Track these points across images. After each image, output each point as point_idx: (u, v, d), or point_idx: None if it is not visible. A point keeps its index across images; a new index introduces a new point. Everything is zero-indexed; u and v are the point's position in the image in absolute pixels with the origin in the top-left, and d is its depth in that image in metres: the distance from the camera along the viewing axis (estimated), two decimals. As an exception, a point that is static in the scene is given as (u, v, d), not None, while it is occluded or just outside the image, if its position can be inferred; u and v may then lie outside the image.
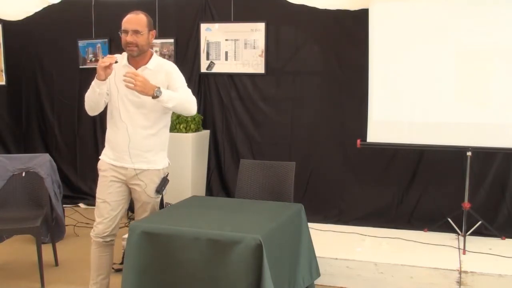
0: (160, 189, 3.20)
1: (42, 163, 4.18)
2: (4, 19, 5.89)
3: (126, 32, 3.00)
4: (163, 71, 3.10)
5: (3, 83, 6.08)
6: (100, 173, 3.21)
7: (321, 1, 4.80)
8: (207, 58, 5.35)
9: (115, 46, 5.54)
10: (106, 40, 5.65)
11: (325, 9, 4.81)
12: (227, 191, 5.41)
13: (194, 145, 5.07)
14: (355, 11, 4.67)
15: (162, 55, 5.46)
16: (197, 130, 5.18)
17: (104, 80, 2.96)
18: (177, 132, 5.07)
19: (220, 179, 5.48)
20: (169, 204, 4.94)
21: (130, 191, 3.23)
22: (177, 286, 2.77)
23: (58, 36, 5.83)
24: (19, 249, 4.50)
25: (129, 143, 3.08)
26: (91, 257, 3.26)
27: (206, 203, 3.53)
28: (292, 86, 5.11)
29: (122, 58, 3.11)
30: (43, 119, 6.06)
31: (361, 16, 4.52)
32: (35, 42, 5.93)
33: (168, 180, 3.26)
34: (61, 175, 5.23)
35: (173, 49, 5.43)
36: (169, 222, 2.92)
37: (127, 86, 2.87)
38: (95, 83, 2.99)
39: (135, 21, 3.01)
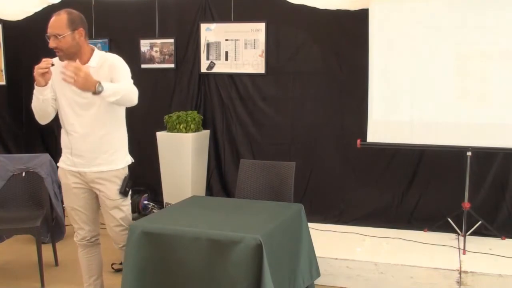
0: (123, 190, 3.05)
1: (42, 163, 4.18)
2: (4, 19, 5.89)
3: (49, 37, 2.85)
4: (106, 65, 2.93)
5: (3, 83, 6.08)
6: (62, 181, 3.12)
7: (321, 1, 4.80)
8: (207, 58, 5.35)
9: (115, 46, 5.55)
10: (106, 40, 5.65)
11: (325, 9, 4.81)
12: (227, 191, 5.41)
13: (194, 145, 5.07)
14: (355, 11, 4.66)
15: (163, 55, 5.47)
16: (197, 130, 5.18)
17: (45, 85, 2.84)
18: (177, 132, 5.07)
19: (220, 179, 5.47)
20: (169, 204, 4.95)
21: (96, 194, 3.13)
22: (177, 286, 2.78)
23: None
24: (19, 249, 4.50)
25: (83, 147, 2.98)
26: (80, 261, 3.22)
27: (206, 203, 3.54)
28: (292, 86, 5.11)
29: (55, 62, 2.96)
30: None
31: (361, 16, 4.51)
32: (35, 42, 5.91)
33: (130, 179, 3.11)
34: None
35: (173, 49, 5.43)
36: (169, 222, 2.92)
37: (65, 80, 2.69)
38: (36, 90, 2.87)
39: (54, 25, 2.83)
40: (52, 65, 2.84)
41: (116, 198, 3.04)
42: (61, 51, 2.86)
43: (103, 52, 3.05)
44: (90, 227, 3.14)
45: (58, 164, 3.15)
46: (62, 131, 3.10)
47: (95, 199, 3.12)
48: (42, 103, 2.93)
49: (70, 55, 2.88)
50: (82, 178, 3.05)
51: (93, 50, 2.99)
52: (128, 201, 3.13)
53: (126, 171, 3.10)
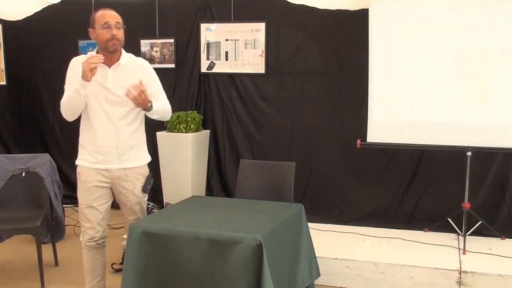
0: (146, 188, 3.16)
1: (42, 163, 4.18)
2: (4, 19, 5.89)
3: (109, 25, 2.94)
4: (135, 66, 3.07)
5: (3, 83, 6.08)
6: (81, 179, 3.11)
7: (321, 1, 4.80)
8: (207, 58, 5.35)
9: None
10: (106, 40, 5.65)
11: (325, 9, 4.81)
12: (227, 191, 5.41)
13: (194, 145, 5.07)
14: (355, 11, 4.66)
15: (163, 55, 5.47)
16: (197, 130, 5.18)
17: (90, 81, 2.87)
18: (177, 132, 5.07)
19: (220, 179, 5.47)
20: (169, 204, 4.94)
21: (113, 193, 3.18)
22: (177, 286, 2.78)
23: (58, 36, 5.83)
24: (19, 249, 4.50)
25: (111, 143, 3.03)
26: (83, 262, 3.21)
27: (206, 203, 3.53)
28: (292, 86, 5.11)
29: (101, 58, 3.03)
30: (43, 119, 6.06)
31: (361, 16, 4.51)
32: (35, 42, 5.93)
33: (153, 178, 3.23)
34: (61, 175, 5.22)
35: (173, 49, 5.43)
36: (169, 222, 2.92)
37: (128, 95, 2.85)
38: (81, 85, 2.87)
39: (115, 15, 2.98)
40: (102, 60, 2.90)
41: (139, 195, 3.16)
42: (119, 41, 2.97)
43: (129, 54, 3.16)
44: (102, 227, 3.15)
45: (78, 163, 3.14)
46: (86, 129, 3.10)
47: (110, 199, 3.18)
48: (83, 99, 2.96)
49: (120, 48, 3.01)
50: (108, 175, 3.09)
51: (121, 51, 3.09)
52: (147, 196, 3.25)
53: (148, 169, 3.21)
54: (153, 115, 3.04)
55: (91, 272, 3.21)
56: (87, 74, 2.83)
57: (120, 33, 2.97)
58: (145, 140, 3.25)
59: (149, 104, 2.94)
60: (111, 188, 3.16)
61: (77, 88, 2.90)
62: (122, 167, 3.09)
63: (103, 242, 3.21)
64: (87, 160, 3.09)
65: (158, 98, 3.11)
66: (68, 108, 3.01)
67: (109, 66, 3.01)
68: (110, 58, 3.00)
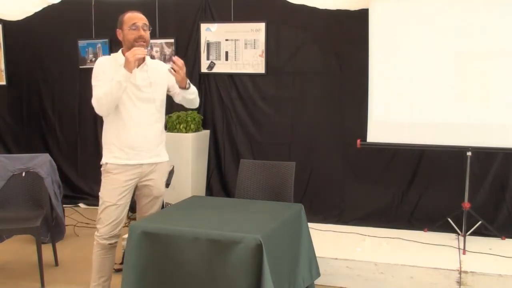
0: (169, 182, 3.33)
1: (42, 163, 4.18)
2: (4, 19, 5.89)
3: (137, 27, 3.05)
4: (162, 69, 3.23)
5: (3, 83, 6.09)
6: (111, 176, 3.12)
7: (321, 1, 4.80)
8: (208, 58, 5.35)
9: (115, 46, 5.54)
10: (107, 40, 5.65)
11: (325, 9, 4.81)
12: (227, 191, 5.41)
13: (194, 145, 5.07)
14: (355, 11, 4.66)
15: (163, 55, 5.47)
16: (197, 130, 5.18)
17: (131, 72, 2.96)
18: (177, 132, 5.07)
19: (220, 179, 5.48)
20: (169, 204, 4.94)
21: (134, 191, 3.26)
22: (177, 286, 2.77)
23: (58, 36, 5.83)
24: (19, 249, 4.50)
25: (144, 139, 3.14)
26: (93, 259, 3.22)
27: (206, 203, 3.53)
28: (292, 86, 5.11)
29: (118, 56, 3.12)
30: (44, 118, 6.07)
31: (361, 16, 4.51)
32: (35, 42, 5.93)
33: (173, 173, 3.40)
34: (61, 175, 5.23)
35: (173, 49, 5.43)
36: (169, 222, 2.92)
37: (172, 71, 3.03)
38: (124, 77, 2.93)
39: (142, 17, 3.11)
40: (146, 53, 3.03)
41: (162, 189, 3.31)
42: (145, 42, 3.09)
43: (149, 58, 3.27)
44: (117, 224, 3.18)
45: (108, 161, 3.14)
46: (116, 126, 3.12)
47: (130, 197, 3.24)
48: (123, 90, 3.00)
49: (146, 47, 3.09)
50: (139, 171, 3.16)
51: None
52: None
53: (169, 164, 3.35)
54: (191, 94, 3.21)
55: (99, 270, 3.23)
56: (131, 64, 2.92)
57: (147, 34, 3.10)
58: (165, 138, 3.38)
59: (188, 81, 3.12)
60: (134, 187, 3.23)
61: (120, 80, 2.94)
62: (152, 162, 3.20)
63: (115, 242, 3.23)
64: (119, 157, 3.13)
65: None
66: (106, 101, 3.00)
67: (137, 66, 3.08)
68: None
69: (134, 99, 3.11)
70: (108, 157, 3.15)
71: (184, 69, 3.07)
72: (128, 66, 2.92)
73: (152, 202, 3.29)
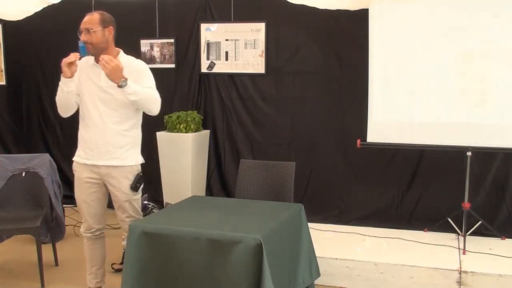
0: (135, 186, 3.22)
1: (42, 163, 4.18)
2: (4, 19, 5.89)
3: (81, 32, 3.08)
4: (132, 69, 3.12)
5: (3, 83, 6.08)
6: (76, 175, 3.26)
7: (321, 1, 4.80)
8: (208, 58, 5.35)
9: (116, 46, 5.53)
10: (106, 40, 5.65)
11: (325, 9, 4.81)
12: (227, 191, 5.41)
13: (194, 145, 5.07)
14: (355, 11, 4.66)
15: (163, 55, 5.47)
16: (197, 130, 5.17)
17: (70, 77, 3.03)
18: (177, 132, 5.07)
19: (220, 179, 5.47)
20: (169, 204, 4.94)
21: (107, 190, 3.28)
22: (177, 286, 2.78)
23: (58, 36, 5.82)
24: (19, 249, 4.50)
25: (101, 140, 3.13)
26: (84, 250, 3.37)
27: (206, 203, 3.54)
28: (292, 86, 5.11)
29: (90, 58, 3.16)
30: (44, 118, 6.06)
31: (361, 16, 4.51)
32: (35, 42, 5.93)
33: (143, 178, 3.28)
34: (62, 174, 5.23)
35: (173, 49, 5.43)
36: (169, 222, 2.92)
37: (101, 64, 2.91)
38: (62, 82, 3.07)
39: (87, 20, 3.10)
40: (80, 58, 3.03)
41: (127, 192, 3.21)
42: (91, 44, 3.06)
43: (129, 56, 3.25)
44: (96, 220, 3.30)
45: (73, 158, 3.28)
46: (82, 125, 3.23)
47: (104, 195, 3.29)
48: (67, 95, 3.11)
49: (99, 49, 3.08)
50: (96, 171, 3.19)
51: (118, 52, 3.20)
52: (139, 194, 3.30)
53: (139, 168, 3.27)
54: (131, 95, 3.00)
55: (90, 260, 3.38)
56: (65, 70, 3.01)
57: (91, 38, 3.06)
58: (138, 142, 3.30)
59: (123, 80, 2.93)
60: (104, 184, 3.25)
61: (60, 85, 3.09)
62: (110, 165, 3.16)
63: (100, 233, 3.35)
64: (80, 156, 3.24)
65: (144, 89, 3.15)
66: (58, 103, 3.20)
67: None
68: None
69: (96, 100, 3.12)
70: (75, 155, 3.27)
71: (113, 63, 2.89)
72: (62, 71, 3.02)
73: (122, 206, 3.25)
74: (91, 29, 3.05)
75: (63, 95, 3.11)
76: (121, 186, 3.19)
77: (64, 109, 3.21)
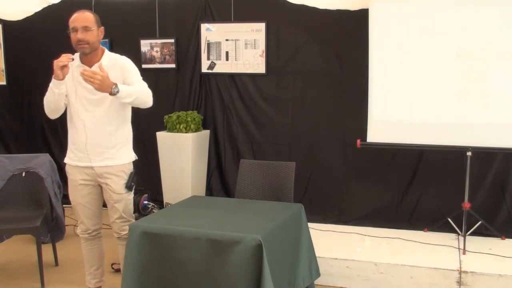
0: (129, 185, 3.21)
1: (42, 163, 4.18)
2: (4, 19, 5.89)
3: (76, 30, 3.00)
4: (117, 66, 3.10)
5: (4, 83, 6.08)
6: (69, 177, 3.24)
7: (321, 1, 4.80)
8: (208, 58, 5.35)
9: (115, 46, 5.55)
10: (107, 40, 5.64)
11: (325, 9, 4.81)
12: (227, 191, 5.41)
13: (194, 145, 5.07)
14: (355, 11, 4.66)
15: (163, 55, 5.47)
16: (197, 130, 5.17)
17: (62, 79, 2.95)
18: (177, 132, 5.07)
19: (220, 179, 5.47)
20: (169, 204, 4.95)
21: (101, 190, 3.26)
22: (177, 286, 2.78)
23: (58, 36, 5.80)
24: (19, 249, 4.50)
25: (91, 141, 3.10)
26: (82, 251, 3.37)
27: (206, 203, 3.54)
28: (293, 86, 5.11)
29: (76, 58, 3.10)
30: (45, 118, 6.02)
31: (361, 16, 4.51)
32: (35, 42, 5.93)
33: (136, 175, 3.26)
34: (62, 174, 5.21)
35: (173, 49, 5.43)
36: (169, 222, 2.92)
37: (87, 81, 2.84)
38: (53, 84, 2.99)
39: (83, 19, 3.02)
40: (72, 59, 2.95)
41: (122, 192, 3.20)
42: (88, 43, 3.00)
43: (113, 53, 3.20)
44: (92, 221, 3.29)
45: (64, 161, 3.26)
46: (70, 127, 3.20)
47: (99, 195, 3.27)
48: (58, 97, 3.05)
49: (93, 49, 3.04)
50: (90, 173, 3.17)
51: (103, 50, 3.15)
52: (131, 195, 3.28)
53: (132, 167, 3.26)
54: (125, 98, 2.96)
55: (89, 260, 3.38)
56: (58, 73, 2.92)
57: (88, 36, 3.00)
58: (128, 139, 3.28)
59: (113, 87, 2.87)
60: (98, 185, 3.24)
61: (51, 86, 3.02)
62: (103, 165, 3.15)
63: (97, 234, 3.35)
64: (70, 158, 3.23)
65: (133, 85, 3.10)
66: (46, 105, 3.13)
67: (90, 66, 3.05)
68: (90, 58, 3.07)
69: (84, 102, 3.09)
70: (66, 157, 3.26)
71: (99, 76, 2.82)
72: (54, 74, 2.94)
73: (114, 207, 3.22)
74: (89, 28, 3.00)
75: (54, 98, 3.04)
76: (116, 186, 3.17)
77: (53, 111, 3.14)
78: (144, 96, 3.08)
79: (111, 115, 3.12)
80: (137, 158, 3.32)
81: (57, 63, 2.90)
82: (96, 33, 3.04)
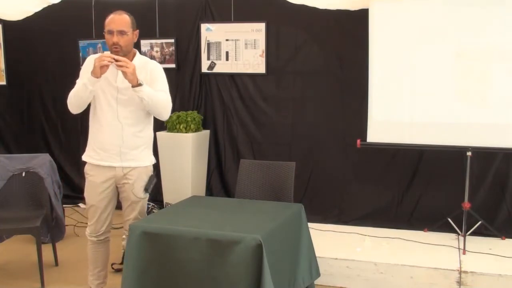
0: (148, 187, 3.21)
1: (42, 163, 4.18)
2: (4, 19, 5.89)
3: (112, 32, 3.01)
4: (147, 69, 3.12)
5: (4, 83, 6.09)
6: (89, 178, 3.20)
7: (321, 1, 4.80)
8: (208, 58, 5.35)
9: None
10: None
11: (325, 9, 4.81)
12: (227, 191, 5.41)
13: (194, 145, 5.07)
14: (355, 11, 4.66)
15: (163, 55, 5.47)
16: (197, 130, 5.18)
17: (99, 77, 2.95)
18: (177, 132, 5.07)
19: (220, 179, 5.47)
20: (169, 204, 4.95)
21: (117, 191, 3.25)
22: (177, 286, 2.78)
23: (59, 36, 5.83)
24: (19, 249, 4.50)
25: (116, 141, 3.09)
26: (87, 252, 3.34)
27: (206, 203, 3.54)
28: (293, 86, 5.11)
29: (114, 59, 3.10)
30: (45, 118, 6.06)
31: (361, 16, 4.51)
32: (35, 42, 5.93)
33: (155, 178, 3.28)
34: (63, 174, 5.23)
35: (173, 49, 5.43)
36: (169, 222, 2.92)
37: (120, 66, 2.87)
38: (89, 80, 2.97)
39: (119, 22, 3.03)
40: (114, 61, 2.92)
41: (140, 194, 3.20)
42: (121, 47, 3.02)
43: (144, 56, 3.24)
44: (102, 223, 3.24)
45: (84, 159, 3.22)
46: (93, 125, 3.19)
47: (114, 197, 3.25)
48: (89, 94, 3.04)
49: (126, 53, 3.05)
50: (112, 173, 3.15)
51: (135, 53, 3.17)
52: (147, 196, 3.28)
53: (152, 170, 3.26)
54: (144, 96, 2.97)
55: (93, 262, 3.34)
56: (97, 70, 2.92)
57: (122, 40, 3.02)
58: (150, 142, 3.29)
59: (139, 81, 2.92)
60: (116, 187, 3.22)
61: (86, 83, 2.99)
62: (125, 166, 3.14)
63: (105, 238, 3.31)
64: (92, 157, 3.18)
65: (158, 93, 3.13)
66: (74, 100, 3.09)
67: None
68: None
69: (111, 100, 3.09)
70: (85, 155, 3.22)
71: (133, 65, 2.91)
72: (93, 71, 2.93)
73: (131, 206, 3.22)
74: (125, 32, 3.02)
75: (85, 94, 3.01)
76: (135, 188, 3.17)
77: (79, 107, 3.12)
78: (161, 104, 3.09)
79: (137, 116, 3.13)
80: (155, 162, 3.33)
81: (100, 62, 2.89)
82: (130, 37, 3.06)
